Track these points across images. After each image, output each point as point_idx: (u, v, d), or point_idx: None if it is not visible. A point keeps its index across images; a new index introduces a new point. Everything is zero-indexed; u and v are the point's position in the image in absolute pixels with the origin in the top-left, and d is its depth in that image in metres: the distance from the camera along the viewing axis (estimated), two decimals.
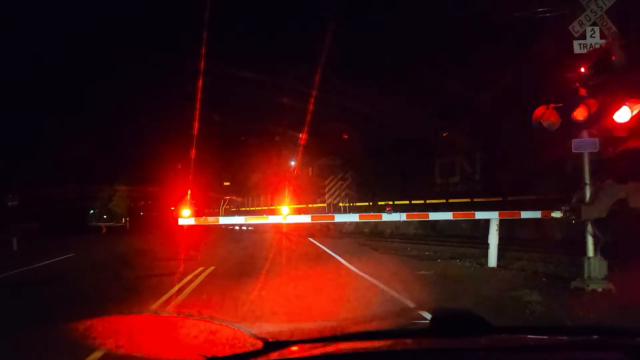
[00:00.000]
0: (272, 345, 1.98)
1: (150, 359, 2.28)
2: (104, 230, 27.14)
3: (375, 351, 2.03)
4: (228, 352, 1.97)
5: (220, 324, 2.32)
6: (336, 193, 21.18)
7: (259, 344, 1.98)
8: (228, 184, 29.76)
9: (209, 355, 1.92)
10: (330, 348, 2.01)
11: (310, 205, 21.57)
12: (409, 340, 2.14)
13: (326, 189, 21.45)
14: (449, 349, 2.02)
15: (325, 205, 21.28)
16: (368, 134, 20.46)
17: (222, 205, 28.61)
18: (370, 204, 21.53)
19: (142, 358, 2.26)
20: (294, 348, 1.99)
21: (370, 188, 21.68)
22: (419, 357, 1.98)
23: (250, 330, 2.15)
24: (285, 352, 1.93)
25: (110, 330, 2.48)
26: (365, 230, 20.42)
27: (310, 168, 23.77)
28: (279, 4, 27.13)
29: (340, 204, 20.67)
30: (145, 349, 2.31)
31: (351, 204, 21.03)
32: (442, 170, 20.02)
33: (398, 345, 2.06)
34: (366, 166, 21.57)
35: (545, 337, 2.39)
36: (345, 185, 21.56)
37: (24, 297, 8.53)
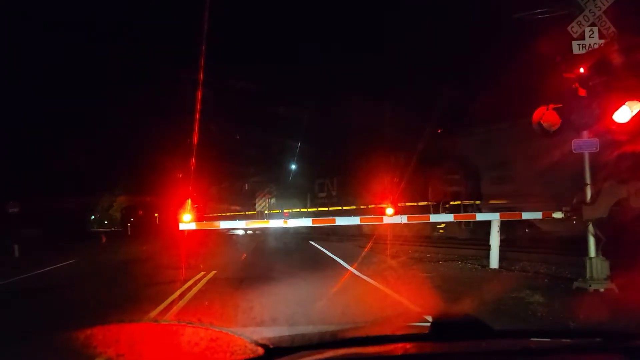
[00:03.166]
0: (273, 351, 1.98)
1: None
2: (103, 240, 27.32)
3: (375, 356, 2.02)
4: (229, 359, 1.96)
5: (221, 331, 2.32)
6: (262, 203, 27.44)
7: (260, 351, 1.97)
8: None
9: None
10: (331, 353, 2.00)
11: (247, 212, 29.51)
12: (409, 345, 2.13)
13: (256, 200, 28.11)
14: (450, 354, 2.01)
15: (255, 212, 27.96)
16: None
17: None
18: (280, 211, 29.37)
19: None
20: (295, 354, 1.98)
21: (283, 200, 29.88)
22: None
23: (251, 337, 2.14)
24: (285, 359, 1.93)
25: (111, 338, 2.46)
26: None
27: (246, 184, 32.15)
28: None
29: (266, 211, 26.96)
30: (146, 357, 2.30)
31: (270, 212, 27.32)
32: (319, 187, 29.45)
33: (398, 350, 2.05)
34: (282, 184, 30.17)
35: (548, 340, 2.38)
36: (270, 197, 28.08)
37: (24, 304, 8.50)
